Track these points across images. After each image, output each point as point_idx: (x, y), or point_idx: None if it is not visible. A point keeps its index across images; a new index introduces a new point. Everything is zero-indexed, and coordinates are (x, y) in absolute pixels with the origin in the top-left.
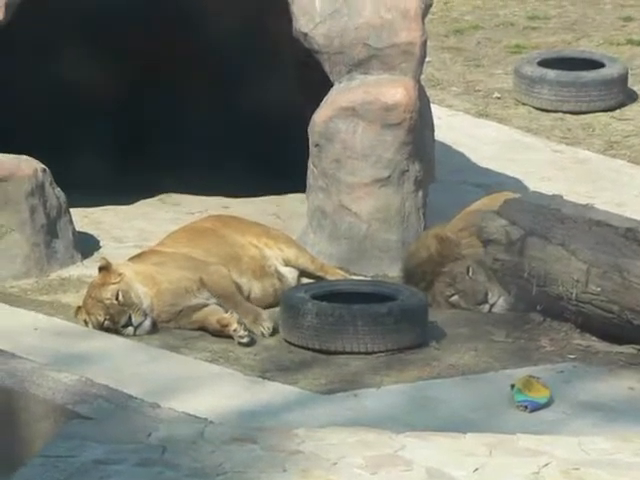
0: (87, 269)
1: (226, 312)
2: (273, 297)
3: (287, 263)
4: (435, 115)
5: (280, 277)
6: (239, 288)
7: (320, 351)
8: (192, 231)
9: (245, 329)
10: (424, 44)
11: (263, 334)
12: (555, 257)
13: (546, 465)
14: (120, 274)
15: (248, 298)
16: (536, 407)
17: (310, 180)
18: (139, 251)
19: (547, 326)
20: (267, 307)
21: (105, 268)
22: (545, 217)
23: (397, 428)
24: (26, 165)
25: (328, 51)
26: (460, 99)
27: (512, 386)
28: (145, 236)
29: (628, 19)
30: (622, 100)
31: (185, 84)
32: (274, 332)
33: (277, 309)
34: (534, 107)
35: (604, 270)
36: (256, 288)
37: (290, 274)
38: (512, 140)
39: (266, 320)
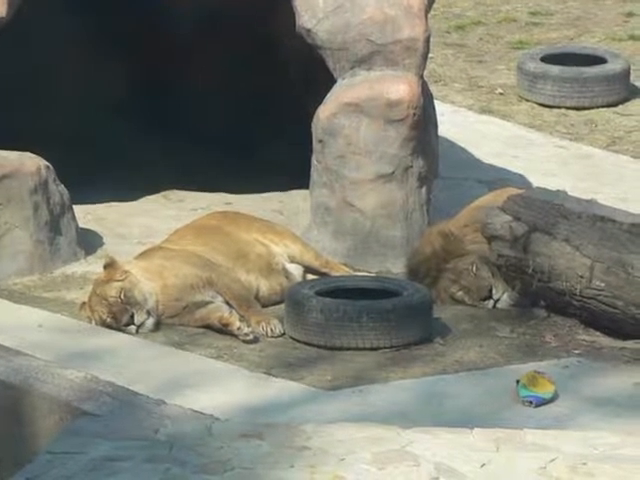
0: (90, 266)
1: (231, 312)
2: (280, 295)
3: (292, 260)
4: (438, 111)
5: (287, 274)
6: (247, 286)
7: (325, 347)
8: (198, 228)
9: (248, 326)
10: (427, 40)
11: (272, 335)
12: (559, 253)
13: (553, 460)
14: (125, 271)
15: (256, 297)
16: (541, 402)
17: (314, 176)
18: (143, 248)
19: (552, 322)
20: (274, 305)
21: (110, 265)
22: (549, 213)
23: (404, 424)
24: (29, 162)
25: (331, 47)
26: (463, 95)
27: (517, 381)
28: (149, 233)
29: (630, 15)
30: (625, 96)
31: (188, 81)
32: (283, 335)
33: (282, 306)
34: (537, 103)
35: (608, 265)
36: (263, 286)
37: (296, 271)
38: (515, 136)
39: (277, 324)
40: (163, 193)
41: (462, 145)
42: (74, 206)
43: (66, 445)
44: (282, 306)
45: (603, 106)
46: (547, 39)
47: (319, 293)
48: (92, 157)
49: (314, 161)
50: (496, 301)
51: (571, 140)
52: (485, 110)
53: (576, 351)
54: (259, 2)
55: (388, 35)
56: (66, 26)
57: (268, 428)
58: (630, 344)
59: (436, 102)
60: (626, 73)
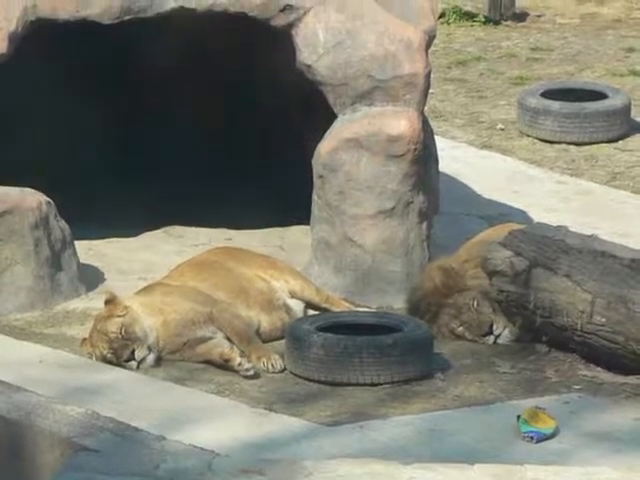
0: (91, 302)
1: (232, 348)
2: (281, 331)
3: (293, 295)
4: (438, 146)
5: (288, 310)
6: (248, 322)
7: (326, 383)
8: (199, 264)
9: (249, 361)
10: (428, 76)
11: (274, 371)
12: (560, 288)
13: None
14: (126, 307)
15: (257, 332)
16: (542, 438)
17: (314, 212)
18: (144, 283)
19: (552, 357)
20: (274, 340)
21: (111, 301)
22: (550, 248)
23: (405, 459)
24: (30, 198)
25: (332, 83)
26: (463, 130)
27: (518, 417)
28: (150, 268)
29: (630, 50)
30: (625, 131)
31: (187, 115)
32: (283, 371)
33: (283, 341)
34: (538, 138)
35: (609, 301)
36: (264, 322)
37: (297, 307)
38: (516, 171)
39: (278, 360)
40: (164, 229)
41: (463, 181)
42: (75, 242)
43: None
44: (283, 342)
45: (604, 141)
46: (548, 74)
47: (320, 329)
48: (92, 193)
49: (314, 196)
50: (497, 336)
51: (571, 176)
52: (486, 145)
53: (577, 386)
54: (259, 37)
55: (389, 71)
56: (65, 62)
57: (269, 464)
58: (631, 379)
59: (437, 137)
60: (627, 108)
